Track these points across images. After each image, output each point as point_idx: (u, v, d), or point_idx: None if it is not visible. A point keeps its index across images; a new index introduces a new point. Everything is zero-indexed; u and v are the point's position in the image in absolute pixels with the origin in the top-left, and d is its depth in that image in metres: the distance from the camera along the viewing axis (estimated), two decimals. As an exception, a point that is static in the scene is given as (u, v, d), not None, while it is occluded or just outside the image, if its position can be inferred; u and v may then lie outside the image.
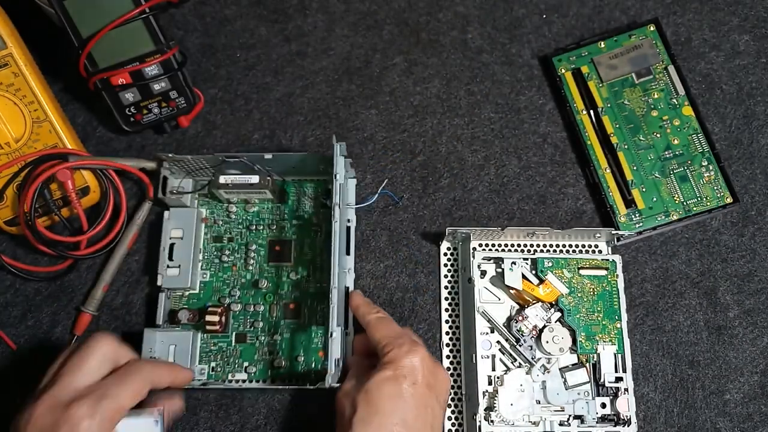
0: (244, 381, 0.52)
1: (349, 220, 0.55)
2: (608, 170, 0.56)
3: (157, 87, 0.53)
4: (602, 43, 0.59)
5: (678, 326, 0.55)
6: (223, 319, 0.52)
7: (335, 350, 0.46)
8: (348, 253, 0.54)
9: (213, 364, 0.52)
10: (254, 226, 0.55)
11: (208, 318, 0.51)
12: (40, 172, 0.51)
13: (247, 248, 0.54)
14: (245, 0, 0.62)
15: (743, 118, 0.59)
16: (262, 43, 0.61)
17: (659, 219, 0.56)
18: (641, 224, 0.55)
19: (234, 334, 0.53)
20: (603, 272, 0.52)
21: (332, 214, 0.48)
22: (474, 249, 0.53)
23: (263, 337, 0.53)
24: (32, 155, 0.52)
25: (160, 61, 0.52)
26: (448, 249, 0.56)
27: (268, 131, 0.58)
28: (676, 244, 0.56)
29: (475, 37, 0.61)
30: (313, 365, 0.52)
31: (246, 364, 0.52)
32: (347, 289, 0.53)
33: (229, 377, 0.52)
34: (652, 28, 0.60)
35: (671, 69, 0.59)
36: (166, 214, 0.53)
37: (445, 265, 0.55)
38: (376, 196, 0.56)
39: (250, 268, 0.54)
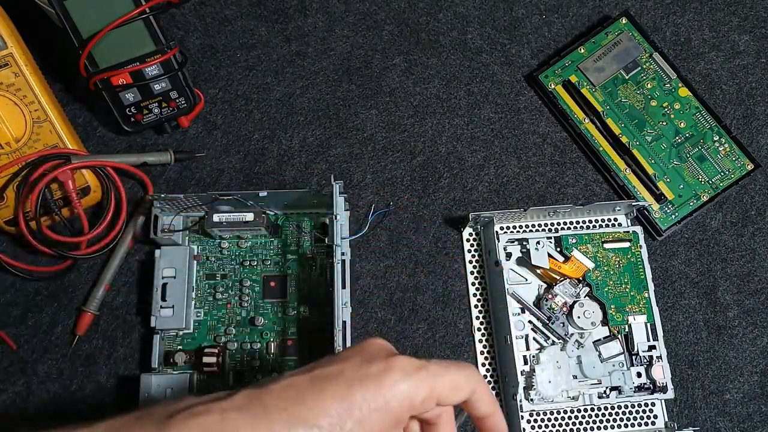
0: None
1: (343, 254, 0.53)
2: (628, 171, 0.57)
3: (157, 87, 0.53)
4: (582, 48, 0.59)
5: (678, 326, 0.55)
6: (220, 359, 0.50)
7: None
8: (344, 287, 0.52)
9: None
10: (248, 262, 0.53)
11: (206, 360, 0.49)
12: (43, 173, 0.51)
13: (241, 285, 0.53)
14: (245, 0, 0.62)
15: (743, 118, 0.60)
16: (263, 43, 0.61)
17: (691, 204, 0.56)
18: (676, 214, 0.56)
19: (231, 373, 0.51)
20: (626, 244, 0.53)
21: (333, 256, 0.47)
22: (497, 232, 0.53)
23: (261, 376, 0.51)
24: (32, 155, 0.52)
25: (160, 62, 0.52)
26: (470, 235, 0.56)
27: (268, 131, 0.58)
28: (675, 244, 0.56)
29: (474, 38, 0.61)
30: None
31: None
32: (344, 324, 0.52)
33: None
34: (624, 21, 0.59)
35: (656, 56, 0.59)
36: (157, 252, 0.51)
37: (469, 251, 0.56)
38: (367, 225, 0.56)
39: (245, 304, 0.53)
